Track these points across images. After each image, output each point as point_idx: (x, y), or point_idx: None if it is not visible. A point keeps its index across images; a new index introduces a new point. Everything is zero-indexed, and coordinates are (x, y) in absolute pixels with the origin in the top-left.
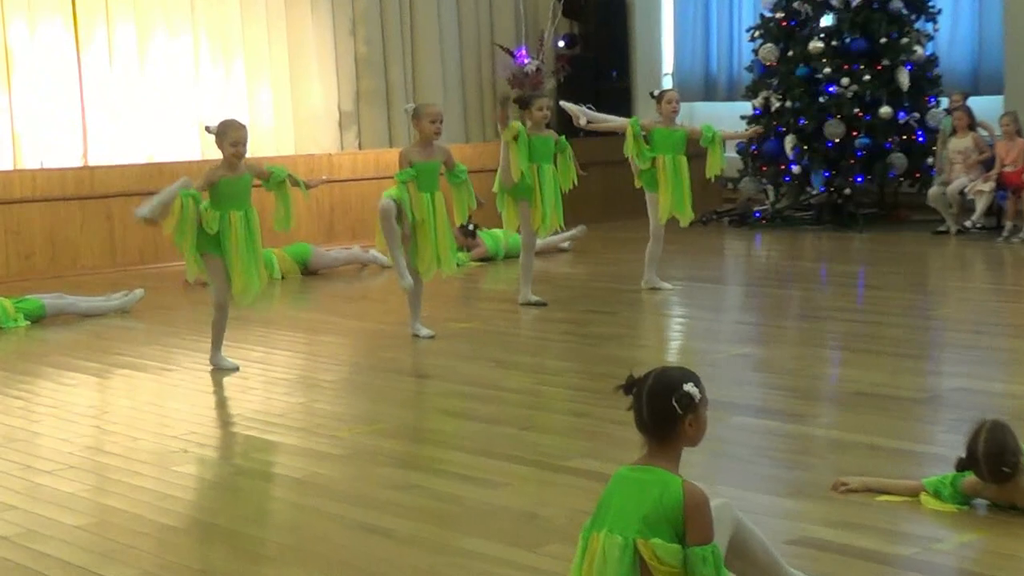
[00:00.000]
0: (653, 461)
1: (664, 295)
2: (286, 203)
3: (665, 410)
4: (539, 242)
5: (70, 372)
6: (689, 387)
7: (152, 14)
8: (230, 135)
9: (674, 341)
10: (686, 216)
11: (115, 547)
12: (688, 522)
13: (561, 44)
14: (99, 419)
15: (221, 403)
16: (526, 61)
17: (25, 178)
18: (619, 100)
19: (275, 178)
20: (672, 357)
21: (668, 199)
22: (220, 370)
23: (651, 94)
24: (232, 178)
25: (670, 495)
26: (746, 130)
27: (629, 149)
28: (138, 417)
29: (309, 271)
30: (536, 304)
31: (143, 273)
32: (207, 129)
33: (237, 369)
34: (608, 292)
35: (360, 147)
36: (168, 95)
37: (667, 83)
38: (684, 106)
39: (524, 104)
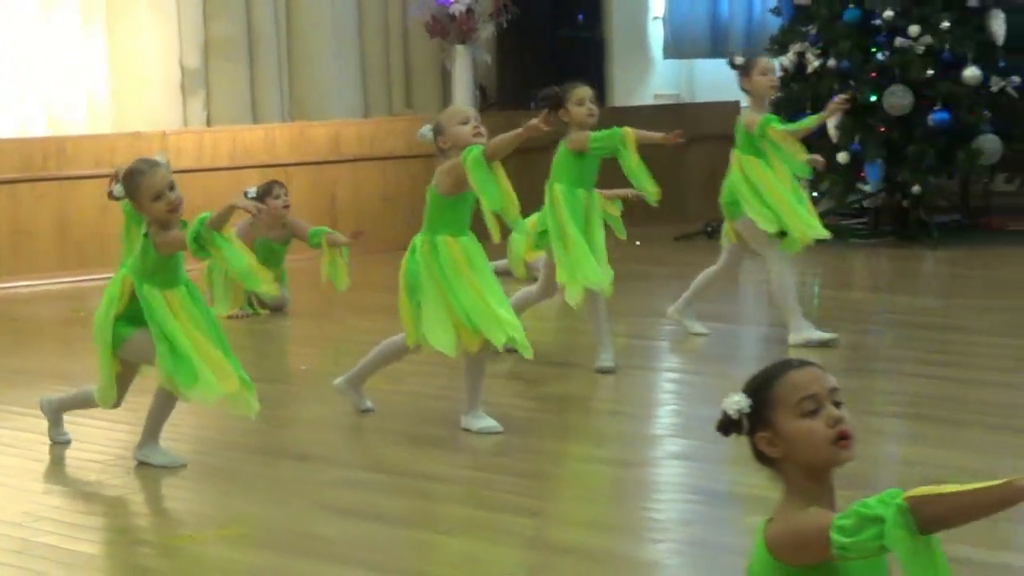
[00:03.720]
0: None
1: (655, 342)
2: None
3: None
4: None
5: None
6: (729, 402)
7: None
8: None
9: (664, 406)
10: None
11: None
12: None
13: None
14: None
15: (9, 497)
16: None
17: None
18: (587, 57)
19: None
20: (661, 430)
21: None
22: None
23: (731, 63)
24: None
25: (759, 545)
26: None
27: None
28: None
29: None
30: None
31: None
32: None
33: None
34: (571, 335)
35: (209, 122)
36: None
37: (657, 30)
38: (682, 66)
39: (556, 103)
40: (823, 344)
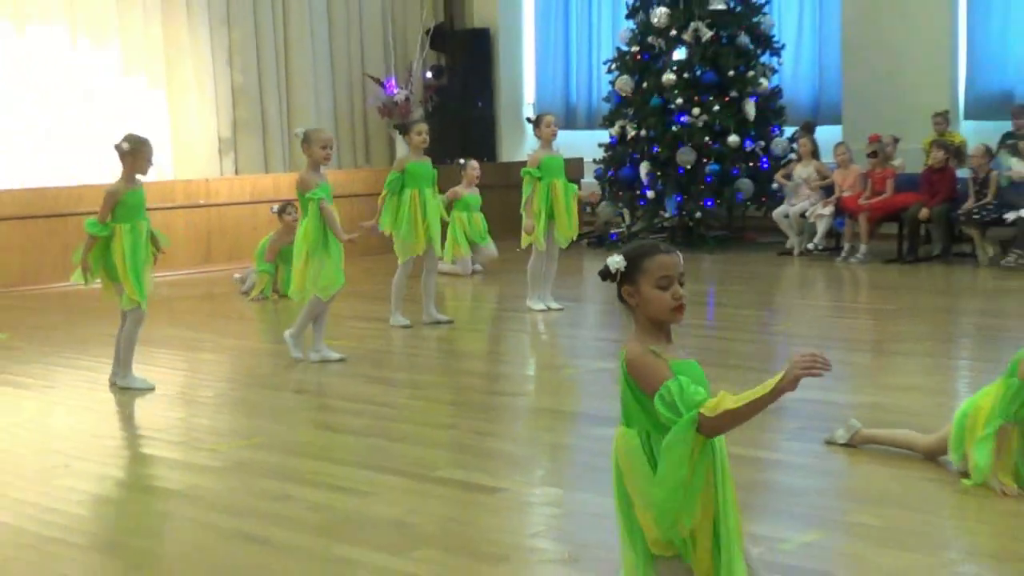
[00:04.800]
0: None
1: (529, 315)
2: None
3: (606, 280)
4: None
5: None
6: (612, 260)
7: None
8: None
9: (535, 357)
10: (569, 238)
11: None
12: (635, 381)
13: (429, 75)
14: None
15: (101, 419)
16: (395, 91)
17: None
18: (484, 127)
19: None
20: (532, 372)
21: (564, 222)
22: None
23: (528, 119)
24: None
25: (621, 363)
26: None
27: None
28: (20, 434)
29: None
30: (444, 322)
31: (23, 294)
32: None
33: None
34: (473, 311)
35: (236, 172)
36: (58, 115)
37: (529, 111)
38: None
39: (403, 130)
40: (552, 310)
